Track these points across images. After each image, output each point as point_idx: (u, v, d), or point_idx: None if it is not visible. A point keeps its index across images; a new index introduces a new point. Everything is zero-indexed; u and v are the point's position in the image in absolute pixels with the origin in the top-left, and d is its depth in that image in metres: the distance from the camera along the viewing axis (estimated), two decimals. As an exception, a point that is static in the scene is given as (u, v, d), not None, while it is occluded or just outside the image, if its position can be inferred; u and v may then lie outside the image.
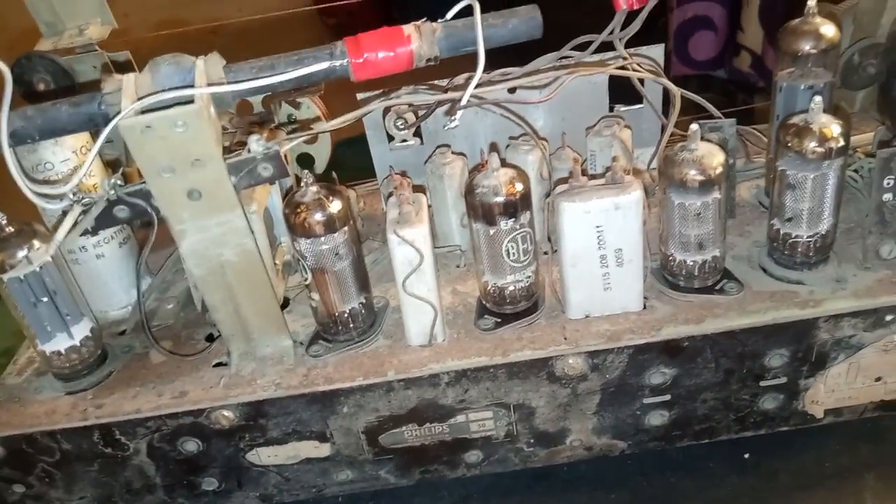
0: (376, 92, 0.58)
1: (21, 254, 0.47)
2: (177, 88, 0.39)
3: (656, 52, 0.57)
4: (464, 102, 0.44)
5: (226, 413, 0.49)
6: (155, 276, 0.61)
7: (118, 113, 0.40)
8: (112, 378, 0.53)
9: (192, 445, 0.51)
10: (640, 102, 0.60)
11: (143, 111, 0.39)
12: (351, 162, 0.71)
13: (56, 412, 0.51)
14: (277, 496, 0.55)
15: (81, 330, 0.51)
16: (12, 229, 0.47)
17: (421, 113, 0.59)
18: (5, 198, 0.47)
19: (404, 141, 0.61)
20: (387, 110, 0.56)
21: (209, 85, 0.40)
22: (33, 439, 0.51)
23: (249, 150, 0.42)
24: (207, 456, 0.52)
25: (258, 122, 0.59)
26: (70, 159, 0.52)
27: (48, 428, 0.50)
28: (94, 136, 0.52)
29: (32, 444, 0.51)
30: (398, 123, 0.59)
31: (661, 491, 0.56)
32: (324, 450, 0.52)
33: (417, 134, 0.61)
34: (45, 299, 0.49)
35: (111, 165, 0.59)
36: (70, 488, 0.53)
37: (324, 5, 2.81)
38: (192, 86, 0.40)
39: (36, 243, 0.47)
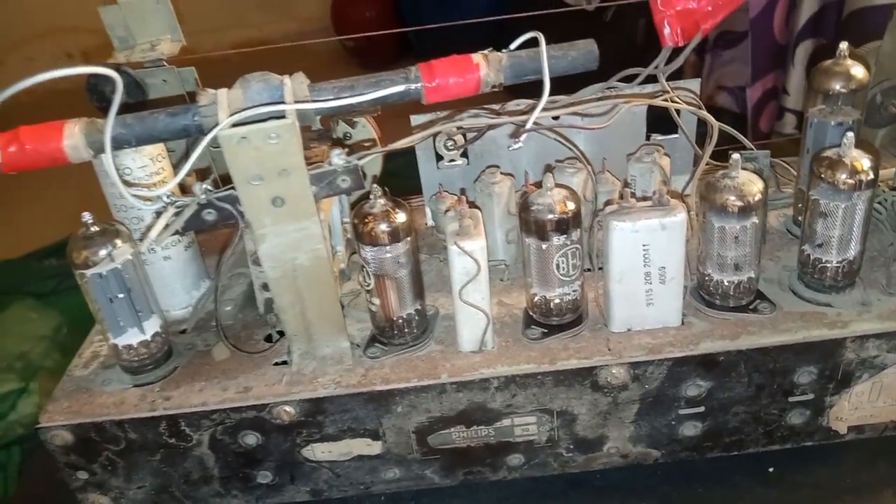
0: (428, 114, 0.62)
1: (103, 252, 0.50)
2: (270, 104, 0.43)
3: (694, 85, 0.61)
4: (529, 126, 0.47)
5: (287, 409, 0.52)
6: (213, 280, 0.64)
7: (213, 124, 0.43)
8: (177, 373, 0.56)
9: (251, 439, 0.54)
10: (675, 132, 0.64)
11: (237, 124, 0.43)
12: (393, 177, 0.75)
13: (125, 403, 0.54)
14: (327, 491, 0.58)
15: (152, 326, 0.54)
16: (97, 228, 0.51)
17: (470, 136, 0.63)
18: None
19: (452, 161, 0.65)
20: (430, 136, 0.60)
21: (297, 102, 0.44)
22: (102, 428, 0.54)
23: (331, 163, 0.45)
24: (265, 450, 0.55)
25: (316, 137, 0.63)
26: (147, 165, 0.56)
27: (117, 417, 0.53)
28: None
29: (101, 433, 0.54)
30: (448, 144, 0.63)
31: (689, 500, 0.59)
32: (375, 448, 0.55)
33: (464, 154, 0.65)
34: (122, 295, 0.52)
35: (200, 173, 0.63)
36: (130, 477, 0.56)
37: (346, 37, 2.87)
38: (283, 102, 0.43)
39: (118, 242, 0.51)
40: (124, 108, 0.60)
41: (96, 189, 0.56)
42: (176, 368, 0.56)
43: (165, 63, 0.65)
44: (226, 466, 0.56)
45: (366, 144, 0.64)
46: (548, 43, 0.48)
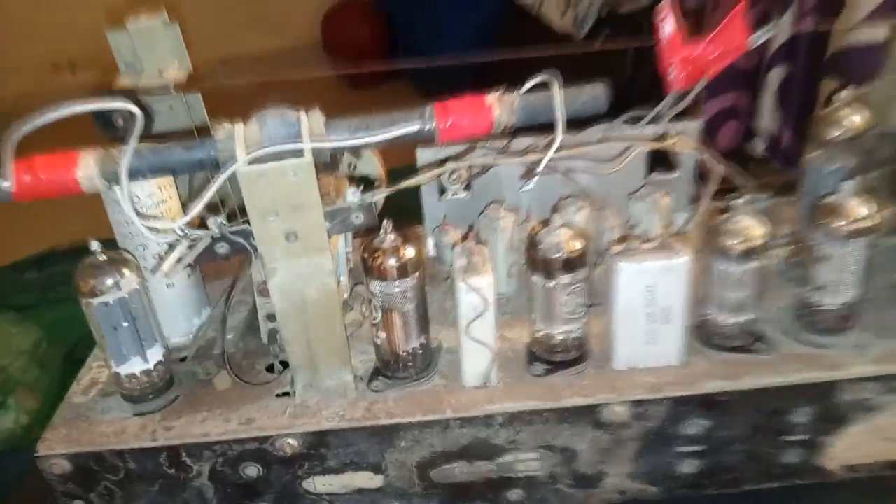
0: (435, 147, 0.62)
1: (110, 281, 0.50)
2: (288, 143, 0.43)
3: (696, 126, 0.62)
4: (541, 168, 0.48)
5: (290, 441, 0.52)
6: (214, 309, 0.64)
7: (229, 159, 0.44)
8: (178, 402, 0.56)
9: (253, 471, 0.54)
10: (675, 169, 0.66)
11: (255, 160, 0.43)
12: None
13: (125, 432, 0.54)
14: (326, 524, 0.57)
15: (155, 355, 0.54)
16: (105, 258, 0.51)
17: (474, 170, 0.63)
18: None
19: (455, 194, 0.65)
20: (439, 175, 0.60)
21: (314, 139, 0.44)
22: (101, 457, 0.53)
23: (345, 200, 0.46)
24: (266, 482, 0.55)
25: (322, 168, 0.63)
26: (155, 193, 0.56)
27: (117, 447, 0.53)
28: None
29: (100, 462, 0.53)
30: (452, 178, 0.64)
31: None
32: (377, 481, 0.55)
33: (467, 187, 0.66)
34: (126, 324, 0.52)
35: (213, 206, 0.63)
36: (128, 507, 0.56)
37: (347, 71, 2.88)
38: (299, 139, 0.44)
39: (125, 271, 0.51)
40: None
41: (78, 201, 0.55)
42: (177, 397, 0.56)
43: (172, 90, 0.65)
44: (225, 498, 0.55)
45: (372, 178, 0.65)
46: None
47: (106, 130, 0.62)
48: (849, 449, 0.56)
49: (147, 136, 0.56)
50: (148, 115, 0.64)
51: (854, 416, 0.54)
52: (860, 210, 0.51)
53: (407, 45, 2.97)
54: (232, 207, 0.63)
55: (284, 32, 3.03)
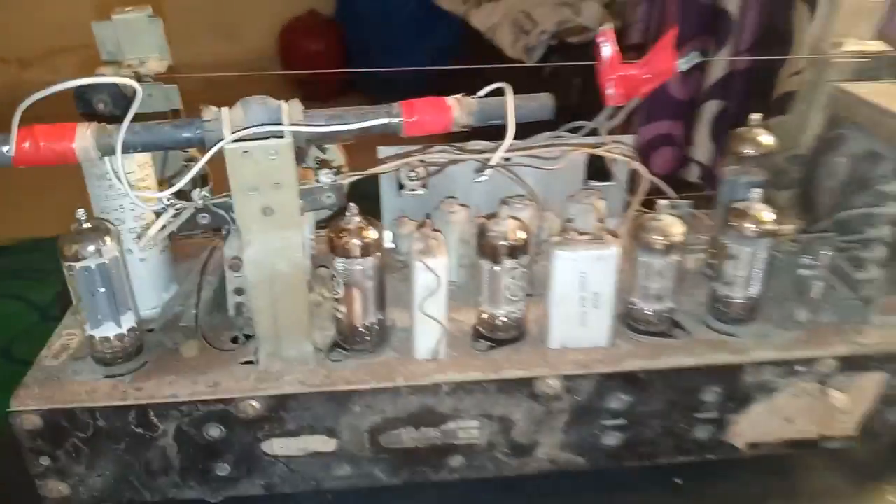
0: (394, 147, 0.68)
1: (92, 247, 0.55)
2: (270, 125, 0.49)
3: (629, 139, 0.70)
4: (493, 162, 0.55)
5: (253, 403, 0.57)
6: (181, 285, 0.68)
7: (216, 139, 0.49)
8: (147, 367, 0.60)
9: (216, 431, 0.58)
10: (610, 179, 0.73)
11: (239, 140, 0.49)
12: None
13: (97, 391, 0.57)
14: (279, 486, 0.62)
15: (128, 321, 0.58)
16: (89, 225, 0.55)
17: (432, 169, 0.70)
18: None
19: (413, 190, 0.71)
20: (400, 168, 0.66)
21: (294, 125, 0.50)
22: (73, 414, 0.57)
23: (318, 181, 0.51)
24: (227, 443, 0.59)
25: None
26: (135, 171, 0.60)
27: (89, 405, 0.56)
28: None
29: (71, 419, 0.57)
30: (411, 175, 0.70)
31: (606, 505, 0.66)
32: (330, 445, 0.60)
33: (424, 185, 0.72)
34: (104, 290, 0.56)
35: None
36: (93, 464, 0.59)
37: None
38: (280, 123, 0.49)
39: (107, 240, 0.55)
40: (110, 118, 0.64)
41: (22, 198, 0.59)
42: (146, 363, 0.60)
43: (152, 79, 0.69)
44: (187, 458, 0.59)
45: (335, 166, 0.70)
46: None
47: (86, 112, 0.66)
48: (752, 427, 0.64)
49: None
50: (126, 100, 0.68)
51: (756, 397, 0.62)
52: (765, 215, 0.59)
53: (362, 63, 3.04)
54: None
55: (243, 42, 3.07)
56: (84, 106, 0.67)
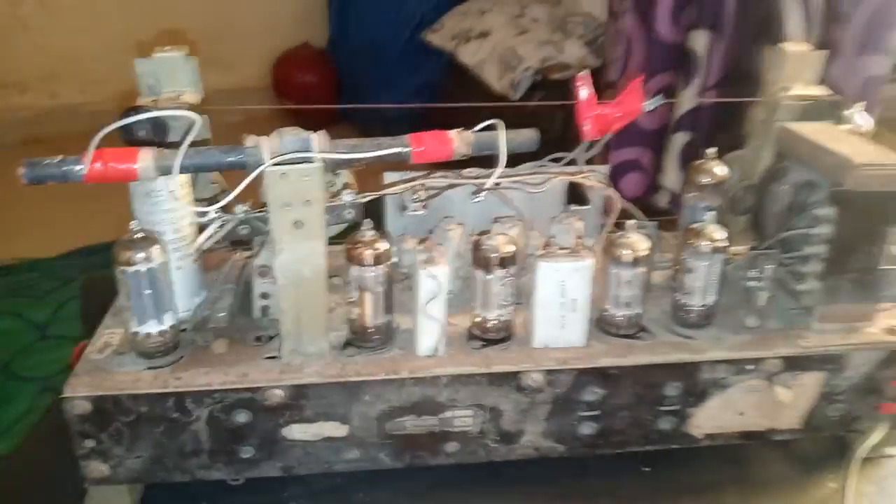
0: (398, 172, 0.78)
1: (142, 254, 0.63)
2: (303, 152, 0.58)
3: (604, 169, 0.80)
4: (488, 186, 0.65)
5: (277, 392, 0.66)
6: (209, 292, 0.77)
7: (257, 163, 0.58)
8: (183, 360, 0.68)
9: (243, 417, 0.66)
10: (587, 204, 0.83)
11: (277, 164, 0.58)
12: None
13: (140, 381, 0.66)
14: (296, 468, 0.70)
15: (168, 319, 0.67)
16: (140, 235, 0.64)
17: (431, 192, 0.79)
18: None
19: (414, 211, 0.81)
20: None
21: (321, 152, 0.59)
22: (119, 400, 0.65)
23: (341, 199, 0.61)
24: (252, 428, 0.67)
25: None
26: (176, 190, 0.69)
27: (134, 392, 0.65)
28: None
29: (116, 405, 0.65)
30: (413, 198, 0.80)
31: (583, 490, 0.75)
32: (342, 431, 0.68)
33: (424, 206, 0.82)
34: (150, 291, 0.65)
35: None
36: (132, 447, 0.67)
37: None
38: (311, 151, 0.59)
39: (155, 248, 0.64)
40: (147, 143, 0.73)
41: (23, 222, 0.67)
42: (182, 357, 0.68)
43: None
44: (216, 441, 0.68)
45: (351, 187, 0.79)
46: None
47: (127, 139, 0.75)
48: (709, 419, 0.73)
49: (165, 144, 0.70)
50: (164, 130, 0.78)
51: (712, 392, 0.71)
52: (718, 234, 0.69)
53: (353, 94, 3.15)
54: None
55: (238, 73, 3.17)
56: (126, 133, 0.76)
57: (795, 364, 0.72)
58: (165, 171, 0.58)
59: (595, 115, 0.71)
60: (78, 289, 1.14)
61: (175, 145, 0.64)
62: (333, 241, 0.73)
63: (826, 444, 0.80)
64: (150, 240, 0.64)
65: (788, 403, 0.73)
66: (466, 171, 0.78)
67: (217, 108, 0.87)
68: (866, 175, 0.67)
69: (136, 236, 0.63)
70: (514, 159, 0.75)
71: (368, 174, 0.78)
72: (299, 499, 0.73)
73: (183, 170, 0.59)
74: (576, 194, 0.82)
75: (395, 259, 0.82)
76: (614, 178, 1.71)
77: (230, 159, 0.60)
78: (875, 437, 0.76)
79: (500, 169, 0.64)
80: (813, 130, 0.76)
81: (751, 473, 0.78)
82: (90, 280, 1.20)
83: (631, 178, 1.75)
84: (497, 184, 0.77)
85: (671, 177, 1.69)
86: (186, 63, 0.78)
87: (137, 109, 0.77)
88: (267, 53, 3.27)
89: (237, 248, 0.85)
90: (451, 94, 2.75)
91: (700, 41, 1.65)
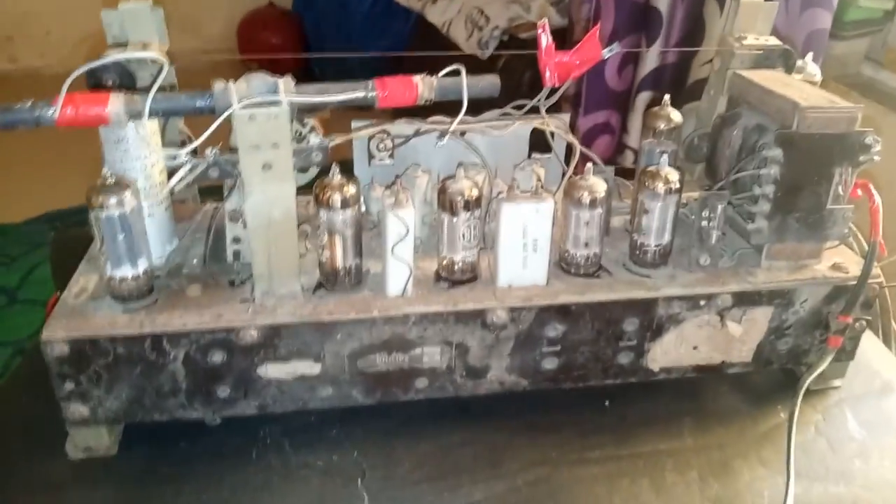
0: (365, 121, 0.80)
1: (115, 199, 0.65)
2: (270, 94, 0.60)
3: (565, 117, 0.83)
4: (451, 129, 0.67)
5: (251, 332, 0.68)
6: (181, 240, 0.78)
7: (226, 106, 0.60)
8: (159, 303, 0.70)
9: (218, 357, 0.69)
10: (549, 152, 0.86)
11: (245, 107, 0.60)
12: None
13: (117, 323, 0.67)
14: (271, 406, 0.73)
15: (142, 264, 0.69)
16: (112, 181, 0.65)
17: (398, 140, 0.81)
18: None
19: (381, 160, 0.83)
20: (372, 135, 0.78)
21: (288, 95, 0.61)
22: (96, 342, 0.67)
23: (308, 142, 0.63)
24: (228, 367, 0.69)
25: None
26: (146, 135, 0.70)
27: (110, 333, 0.67)
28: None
29: (94, 347, 0.67)
30: (380, 146, 0.81)
31: (547, 424, 0.79)
32: (315, 369, 0.71)
33: (391, 155, 0.84)
34: (123, 235, 0.66)
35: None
36: (110, 388, 0.69)
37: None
38: (278, 94, 0.60)
39: (128, 193, 0.65)
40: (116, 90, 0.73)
41: None
42: (157, 300, 0.70)
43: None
44: (193, 381, 0.70)
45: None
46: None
47: (95, 87, 0.76)
48: (665, 354, 0.77)
49: (133, 91, 0.71)
50: (132, 78, 0.78)
51: (668, 327, 0.75)
52: (672, 176, 0.72)
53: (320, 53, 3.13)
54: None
55: (202, 34, 3.12)
56: (94, 81, 0.77)
57: (746, 299, 0.76)
58: (136, 115, 0.60)
59: (556, 63, 0.73)
60: (48, 247, 1.14)
61: (144, 92, 0.65)
62: (302, 190, 0.75)
63: (776, 376, 0.85)
64: (122, 185, 0.65)
65: (739, 338, 0.78)
66: (431, 119, 0.80)
67: (184, 56, 0.87)
68: (812, 117, 0.70)
69: (108, 181, 0.65)
70: (478, 107, 0.77)
71: (336, 129, 0.80)
72: (275, 436, 0.76)
73: (152, 113, 0.60)
74: (539, 144, 0.85)
75: (363, 208, 0.84)
76: (587, 144, 1.75)
77: (199, 104, 0.61)
78: (821, 366, 0.81)
79: (463, 112, 0.66)
80: (764, 77, 0.79)
81: (705, 405, 0.82)
82: (61, 237, 1.21)
83: (602, 141, 1.78)
84: (462, 132, 0.80)
85: (635, 136, 1.73)
86: (152, 14, 0.78)
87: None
88: (231, 14, 3.22)
89: (207, 199, 0.87)
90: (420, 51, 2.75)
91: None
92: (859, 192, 0.77)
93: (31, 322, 1.93)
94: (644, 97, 1.70)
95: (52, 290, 0.82)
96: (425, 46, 2.71)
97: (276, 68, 0.68)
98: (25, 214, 2.46)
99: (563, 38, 2.11)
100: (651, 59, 1.65)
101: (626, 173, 1.82)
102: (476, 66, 0.72)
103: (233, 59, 3.14)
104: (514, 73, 2.19)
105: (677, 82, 1.65)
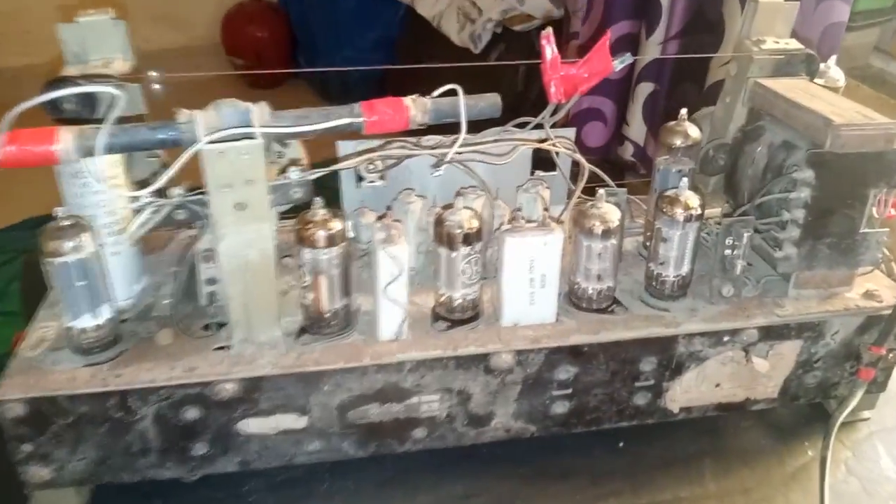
0: (353, 141, 0.72)
1: (70, 244, 0.57)
2: (242, 127, 0.52)
3: (571, 133, 0.76)
4: (448, 158, 0.60)
5: (228, 386, 0.61)
6: (152, 277, 0.71)
7: (192, 140, 0.52)
8: (125, 355, 0.63)
9: (193, 413, 0.62)
10: (554, 170, 0.79)
11: (214, 141, 0.52)
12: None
13: (77, 379, 0.60)
14: (254, 462, 0.66)
15: (104, 312, 0.61)
16: (67, 223, 0.58)
17: (389, 162, 0.74)
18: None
19: (371, 182, 0.76)
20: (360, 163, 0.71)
21: (263, 126, 0.54)
22: (55, 401, 0.60)
23: (287, 178, 0.55)
24: (204, 424, 0.63)
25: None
26: (105, 170, 0.63)
27: (70, 392, 0.60)
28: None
29: (53, 406, 0.60)
30: (370, 168, 0.74)
31: (557, 469, 0.72)
32: (301, 422, 0.64)
33: (382, 177, 0.76)
34: (82, 283, 0.59)
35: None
36: (74, 449, 0.62)
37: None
38: (251, 125, 0.53)
39: (84, 236, 0.58)
40: (75, 118, 0.67)
41: None
42: (123, 351, 0.63)
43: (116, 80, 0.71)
44: (165, 440, 0.63)
45: (299, 162, 0.74)
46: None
47: (53, 114, 0.68)
48: (685, 392, 0.71)
49: (94, 119, 0.64)
50: (93, 101, 0.71)
51: (688, 365, 0.69)
52: (692, 202, 0.65)
53: (308, 50, 3.04)
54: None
55: (187, 30, 3.03)
56: (51, 106, 0.69)
57: (773, 334, 0.69)
58: (88, 153, 0.52)
59: (561, 77, 0.66)
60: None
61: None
62: (284, 216, 0.68)
63: (803, 412, 0.78)
64: (78, 227, 0.58)
65: (766, 373, 0.71)
66: (426, 139, 0.72)
67: (145, 77, 0.80)
68: (846, 135, 0.64)
69: (63, 223, 0.57)
70: (477, 124, 0.70)
71: (324, 139, 0.72)
72: (260, 492, 0.69)
73: (108, 150, 0.53)
74: (542, 157, 0.78)
75: (352, 234, 0.77)
76: (577, 129, 1.68)
77: (161, 136, 0.54)
78: (853, 402, 0.74)
79: (461, 140, 0.59)
80: (788, 87, 0.72)
81: (727, 444, 0.76)
82: (33, 259, 1.13)
83: (593, 127, 1.70)
84: (458, 153, 0.72)
85: (635, 128, 1.65)
86: (114, 27, 0.70)
87: (63, 81, 0.70)
88: (216, 8, 3.12)
89: (181, 227, 0.79)
90: (409, 48, 2.66)
91: (663, -13, 1.60)
92: (892, 211, 0.70)
93: (7, 337, 1.85)
94: (644, 88, 1.63)
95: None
96: (416, 41, 2.63)
97: (263, 69, 0.60)
98: (5, 220, 2.37)
99: (559, 30, 2.03)
100: (651, 49, 1.58)
101: (625, 167, 1.75)
102: (469, 60, 0.65)
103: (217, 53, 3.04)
104: (508, 67, 2.11)
105: (681, 74, 1.58)
